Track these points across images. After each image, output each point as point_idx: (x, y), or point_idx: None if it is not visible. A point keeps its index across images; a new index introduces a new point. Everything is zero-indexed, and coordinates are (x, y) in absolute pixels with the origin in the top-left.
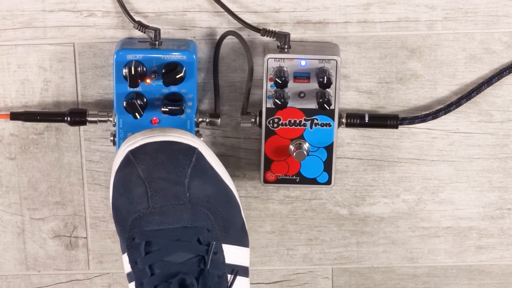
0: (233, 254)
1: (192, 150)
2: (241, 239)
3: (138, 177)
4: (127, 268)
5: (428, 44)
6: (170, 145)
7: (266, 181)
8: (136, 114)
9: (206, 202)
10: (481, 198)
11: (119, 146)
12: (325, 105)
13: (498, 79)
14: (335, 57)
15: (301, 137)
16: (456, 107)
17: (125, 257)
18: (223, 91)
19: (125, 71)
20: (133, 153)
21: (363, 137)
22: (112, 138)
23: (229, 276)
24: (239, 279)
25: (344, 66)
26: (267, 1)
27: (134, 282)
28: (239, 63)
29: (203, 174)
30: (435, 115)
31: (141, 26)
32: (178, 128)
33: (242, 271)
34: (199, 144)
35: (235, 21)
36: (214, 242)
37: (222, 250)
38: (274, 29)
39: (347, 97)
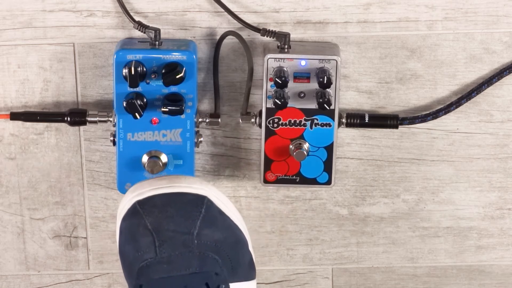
0: None
1: (201, 199)
2: (249, 274)
3: (145, 228)
4: None
5: (428, 44)
6: (179, 197)
7: (266, 181)
8: (136, 114)
9: (214, 247)
10: (481, 198)
11: (119, 147)
12: (325, 105)
13: (498, 79)
14: (335, 57)
15: (301, 137)
16: (456, 107)
17: None
18: (223, 91)
19: (125, 71)
20: (140, 204)
21: (363, 137)
22: (112, 138)
23: None
24: None
25: (344, 66)
26: (267, 1)
27: None
28: (239, 63)
29: (212, 222)
30: (435, 115)
31: (141, 26)
32: (186, 176)
33: None
34: (207, 191)
35: (235, 21)
36: (224, 285)
37: None
38: (274, 29)
39: (347, 97)
